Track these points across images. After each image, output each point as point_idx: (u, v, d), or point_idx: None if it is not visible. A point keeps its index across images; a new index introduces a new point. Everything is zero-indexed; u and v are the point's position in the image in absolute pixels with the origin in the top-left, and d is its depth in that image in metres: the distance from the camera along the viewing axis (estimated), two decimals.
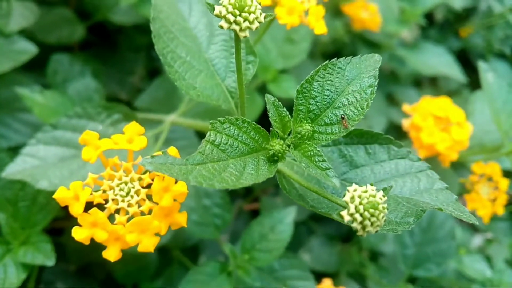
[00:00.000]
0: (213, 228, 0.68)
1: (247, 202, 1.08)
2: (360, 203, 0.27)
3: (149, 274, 0.83)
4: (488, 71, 0.66)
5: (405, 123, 0.62)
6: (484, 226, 1.33)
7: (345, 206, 0.28)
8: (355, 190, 0.28)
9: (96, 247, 0.85)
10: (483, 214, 0.68)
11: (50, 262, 0.52)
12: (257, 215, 0.85)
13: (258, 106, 0.68)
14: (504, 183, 0.69)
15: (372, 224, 0.27)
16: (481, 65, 0.66)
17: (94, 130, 0.53)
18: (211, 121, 0.30)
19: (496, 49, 1.33)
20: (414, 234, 0.80)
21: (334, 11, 1.14)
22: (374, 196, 0.28)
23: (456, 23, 1.41)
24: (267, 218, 0.63)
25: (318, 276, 0.94)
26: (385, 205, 0.28)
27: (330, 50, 1.12)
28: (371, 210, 0.27)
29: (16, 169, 0.50)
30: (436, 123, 0.62)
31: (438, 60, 1.06)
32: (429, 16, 1.43)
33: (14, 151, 0.61)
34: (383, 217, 0.28)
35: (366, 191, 0.28)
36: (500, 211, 0.70)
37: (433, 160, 0.66)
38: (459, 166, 0.91)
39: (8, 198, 0.56)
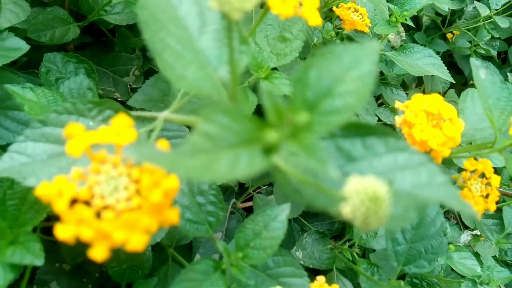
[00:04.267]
0: (207, 226, 0.64)
1: (241, 201, 1.05)
2: (363, 195, 0.24)
3: (144, 273, 0.80)
4: (480, 68, 0.63)
5: (398, 120, 0.59)
6: (471, 223, 1.32)
7: (344, 199, 0.25)
8: (356, 182, 0.25)
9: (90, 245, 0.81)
10: (476, 210, 0.66)
11: (39, 261, 0.48)
12: (251, 213, 0.82)
13: (251, 104, 0.65)
14: (496, 179, 0.66)
15: (375, 218, 0.24)
16: (474, 62, 0.63)
17: (85, 126, 0.50)
18: (202, 109, 0.27)
19: (482, 50, 1.31)
20: (406, 231, 0.77)
21: (326, 14, 1.11)
22: (376, 189, 0.25)
23: (442, 26, 1.39)
24: (261, 215, 0.59)
25: (312, 273, 0.91)
26: (389, 198, 0.25)
27: None
28: (374, 203, 0.24)
29: (3, 166, 0.46)
30: (428, 119, 0.59)
31: (425, 61, 1.03)
32: (415, 20, 1.41)
33: (4, 149, 0.57)
34: (386, 210, 0.25)
35: (368, 183, 0.25)
36: (493, 207, 0.67)
37: None
38: (450, 164, 0.88)
39: None
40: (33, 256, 0.49)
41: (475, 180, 0.66)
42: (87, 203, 0.33)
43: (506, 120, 0.63)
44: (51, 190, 0.32)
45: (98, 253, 0.32)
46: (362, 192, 0.24)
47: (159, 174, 0.32)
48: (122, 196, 0.33)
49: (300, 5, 0.40)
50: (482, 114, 0.72)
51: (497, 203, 0.70)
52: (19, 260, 0.49)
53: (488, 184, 0.67)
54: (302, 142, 0.27)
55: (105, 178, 0.33)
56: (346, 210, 0.25)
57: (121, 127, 0.34)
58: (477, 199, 0.65)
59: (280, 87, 0.61)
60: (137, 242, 0.32)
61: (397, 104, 0.62)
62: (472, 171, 0.66)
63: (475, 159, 0.70)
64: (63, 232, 0.32)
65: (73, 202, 0.33)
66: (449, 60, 1.54)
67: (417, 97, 0.62)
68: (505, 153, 0.66)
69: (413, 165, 0.34)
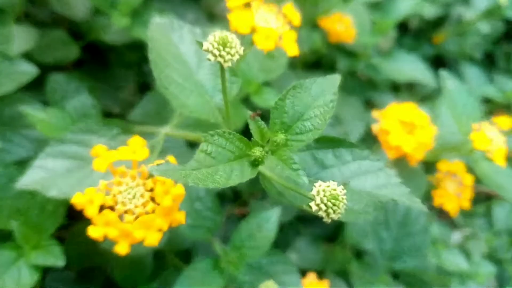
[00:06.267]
0: (205, 230, 0.75)
1: (237, 207, 1.15)
2: (324, 195, 0.35)
3: (146, 277, 0.90)
4: (448, 79, 0.74)
5: (374, 128, 0.71)
6: (463, 222, 1.43)
7: (312, 198, 0.36)
8: (320, 185, 0.36)
9: (95, 252, 0.92)
10: (450, 208, 0.77)
11: (61, 262, 0.59)
12: None
13: (243, 116, 0.75)
14: (468, 178, 0.78)
15: (334, 211, 0.35)
16: (442, 73, 0.74)
17: (97, 143, 0.61)
18: (203, 134, 0.37)
19: (467, 54, 1.43)
20: (391, 229, 0.88)
21: (312, 24, 1.22)
22: (335, 190, 0.36)
23: (429, 30, 1.51)
24: (254, 218, 0.70)
25: (305, 274, 1.01)
26: (344, 196, 0.36)
27: (310, 61, 1.21)
28: (333, 201, 0.35)
29: (28, 180, 0.57)
30: (402, 127, 0.70)
31: (410, 67, 1.15)
32: (403, 25, 1.52)
33: (19, 164, 0.68)
34: (343, 206, 0.36)
35: (328, 186, 0.36)
36: (466, 205, 0.78)
37: (402, 160, 0.75)
38: (431, 166, 1.00)
39: (19, 208, 0.63)
40: (54, 258, 0.59)
41: (449, 180, 0.77)
42: (111, 208, 0.43)
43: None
44: (84, 198, 0.43)
45: (122, 249, 0.43)
46: (323, 194, 0.35)
47: (169, 184, 0.43)
48: (139, 202, 0.43)
49: (280, 38, 0.51)
50: None
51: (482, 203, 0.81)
52: (42, 262, 0.59)
53: (461, 183, 0.78)
54: (280, 156, 0.38)
55: (125, 188, 0.44)
56: (313, 206, 0.36)
57: (137, 147, 0.44)
58: (451, 197, 0.76)
59: (268, 101, 0.72)
60: (152, 239, 0.43)
61: (374, 114, 0.73)
62: (445, 172, 0.78)
63: None
64: (94, 232, 0.42)
65: (100, 208, 0.43)
66: (439, 63, 1.66)
67: (392, 107, 0.73)
68: (476, 155, 0.77)
69: (373, 170, 0.45)
